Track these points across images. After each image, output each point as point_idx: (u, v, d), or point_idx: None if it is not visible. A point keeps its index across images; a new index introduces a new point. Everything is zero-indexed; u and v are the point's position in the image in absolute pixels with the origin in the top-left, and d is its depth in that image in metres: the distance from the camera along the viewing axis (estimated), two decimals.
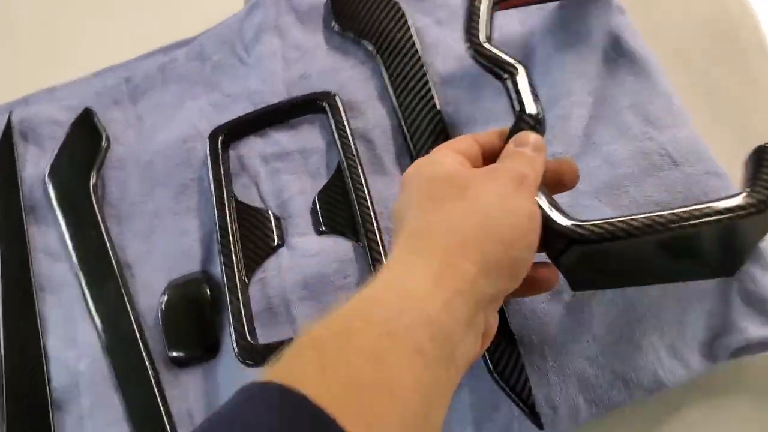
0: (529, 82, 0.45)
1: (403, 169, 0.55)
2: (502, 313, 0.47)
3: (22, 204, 0.62)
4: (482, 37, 0.48)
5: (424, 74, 0.58)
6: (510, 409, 0.46)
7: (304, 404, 0.26)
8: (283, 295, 0.52)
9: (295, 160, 0.58)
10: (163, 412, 0.51)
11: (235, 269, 0.53)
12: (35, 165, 0.64)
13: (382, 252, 0.51)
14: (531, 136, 0.41)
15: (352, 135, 0.56)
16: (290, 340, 0.35)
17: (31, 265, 0.59)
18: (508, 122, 0.53)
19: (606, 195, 0.49)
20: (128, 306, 0.55)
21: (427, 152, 0.53)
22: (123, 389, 0.53)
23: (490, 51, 0.47)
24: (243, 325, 0.51)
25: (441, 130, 0.55)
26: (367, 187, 0.54)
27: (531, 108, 0.44)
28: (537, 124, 0.43)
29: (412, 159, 0.54)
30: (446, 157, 0.39)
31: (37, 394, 0.53)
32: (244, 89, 0.62)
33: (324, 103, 0.58)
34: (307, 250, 0.53)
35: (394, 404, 0.28)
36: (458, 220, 0.35)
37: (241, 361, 0.50)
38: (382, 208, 0.54)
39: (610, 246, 0.39)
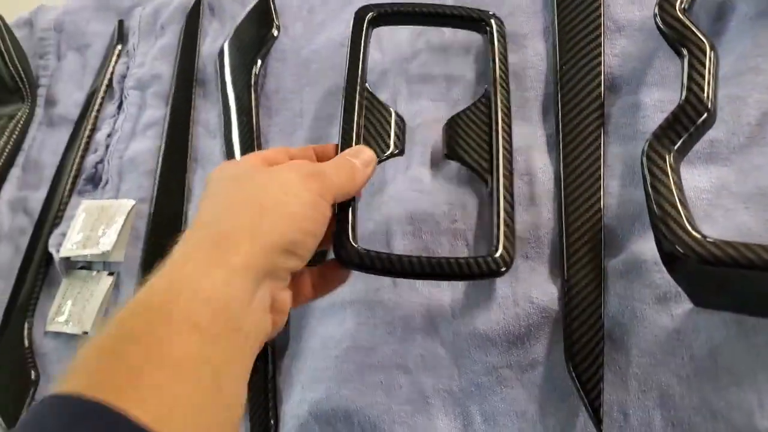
0: (710, 69, 0.40)
1: (547, 119, 0.51)
2: (597, 307, 0.44)
3: (195, 76, 0.66)
4: (679, 5, 0.42)
5: (599, 16, 0.51)
6: (578, 402, 0.44)
7: (89, 406, 0.27)
8: (387, 223, 0.51)
9: (438, 86, 0.55)
10: None
11: None
12: (213, 40, 0.68)
13: (510, 197, 0.46)
14: (365, 152, 0.45)
15: (507, 67, 0.52)
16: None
17: (190, 136, 0.64)
18: (676, 90, 0.47)
19: (756, 203, 0.42)
20: None
21: (574, 111, 0.49)
22: None
23: (678, 25, 0.41)
24: (348, 227, 0.47)
25: (597, 85, 0.50)
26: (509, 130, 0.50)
27: (699, 100, 0.39)
28: (698, 116, 0.38)
29: (557, 114, 0.50)
30: (248, 160, 0.42)
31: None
32: None
33: (488, 26, 0.53)
34: (423, 183, 0.52)
35: (178, 381, 0.30)
36: (236, 205, 0.37)
37: (338, 260, 0.47)
38: (516, 156, 0.50)
39: (725, 271, 0.34)
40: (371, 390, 0.48)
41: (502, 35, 0.53)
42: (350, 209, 0.47)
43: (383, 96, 0.57)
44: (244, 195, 0.38)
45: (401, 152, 0.50)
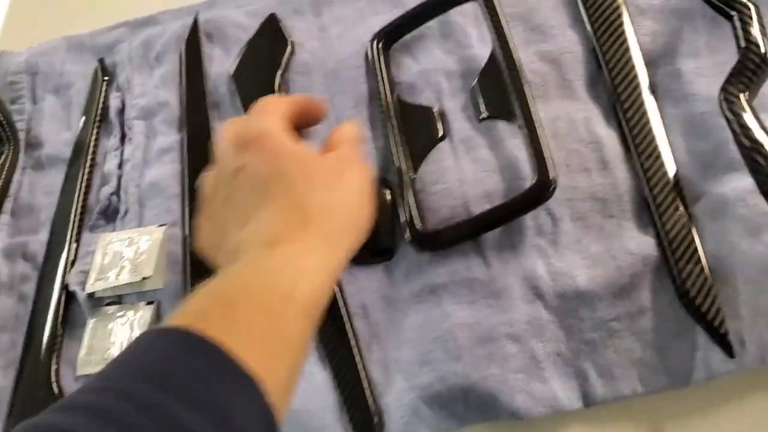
0: (759, 21, 0.45)
1: (594, 96, 0.55)
2: (696, 247, 0.47)
3: (206, 99, 0.65)
4: None
5: (619, 5, 0.56)
6: (694, 338, 0.46)
7: (214, 351, 0.32)
8: (465, 206, 0.52)
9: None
10: (341, 303, 0.53)
11: (402, 164, 0.55)
12: (220, 64, 0.67)
13: (537, 129, 0.51)
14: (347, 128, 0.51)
15: (505, 18, 0.56)
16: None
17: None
18: (709, 57, 0.53)
19: None
20: None
21: (624, 84, 0.53)
22: None
23: None
24: (412, 214, 0.52)
25: (635, 61, 0.54)
26: (521, 68, 0.54)
27: (759, 45, 0.44)
28: (763, 62, 0.43)
29: (608, 86, 0.54)
30: (271, 128, 0.46)
31: None
32: None
33: None
34: (479, 156, 0.54)
35: (288, 354, 0.36)
36: (334, 206, 0.43)
37: (415, 246, 0.52)
38: (571, 129, 0.53)
39: None
40: (483, 363, 0.48)
41: None
42: (408, 194, 0.54)
43: (427, 95, 0.59)
44: (333, 193, 0.44)
45: (444, 136, 0.56)
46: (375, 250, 0.54)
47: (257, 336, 0.34)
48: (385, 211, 0.54)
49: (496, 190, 0.52)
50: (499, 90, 0.54)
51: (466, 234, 0.51)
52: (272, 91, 0.62)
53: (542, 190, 0.49)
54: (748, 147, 0.44)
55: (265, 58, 0.65)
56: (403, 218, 0.53)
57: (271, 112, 0.46)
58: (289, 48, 0.65)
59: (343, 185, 0.44)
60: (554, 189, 0.48)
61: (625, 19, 0.56)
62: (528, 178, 0.52)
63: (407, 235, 0.52)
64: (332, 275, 0.41)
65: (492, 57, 0.56)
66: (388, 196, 0.55)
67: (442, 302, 0.50)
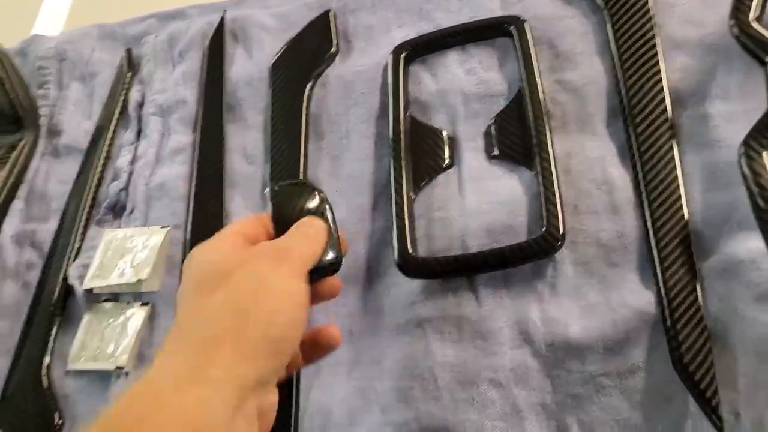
0: None
1: (612, 132, 0.52)
2: (698, 308, 0.44)
3: (222, 101, 0.64)
4: (752, 15, 0.44)
5: (653, 36, 0.53)
6: (685, 404, 0.43)
7: None
8: (463, 239, 0.51)
9: (495, 104, 0.56)
10: None
11: (403, 183, 0.53)
12: (242, 66, 0.66)
13: (555, 181, 0.49)
14: (315, 221, 0.40)
15: (537, 60, 0.55)
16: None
17: (224, 162, 0.61)
18: (741, 102, 0.49)
19: None
20: None
21: (645, 123, 0.50)
22: None
23: (758, 32, 0.44)
24: (405, 237, 0.51)
25: (661, 99, 0.51)
26: (547, 114, 0.53)
27: None
28: None
29: (624, 123, 0.51)
30: (224, 241, 0.38)
31: None
32: (453, 23, 0.61)
33: (511, 27, 0.57)
34: (485, 188, 0.52)
35: None
36: (216, 311, 0.34)
37: (401, 271, 0.50)
38: (585, 168, 0.51)
39: None
40: (462, 407, 0.46)
41: (525, 33, 0.56)
42: (404, 216, 0.51)
43: (440, 117, 0.57)
44: (222, 296, 0.34)
45: (451, 164, 0.54)
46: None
47: None
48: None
49: (497, 227, 0.50)
50: (520, 134, 0.53)
51: (461, 269, 0.49)
52: (302, 93, 0.61)
53: (551, 243, 0.47)
54: (763, 208, 0.41)
55: (307, 57, 0.63)
56: (394, 240, 0.51)
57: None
58: (333, 50, 0.63)
59: (223, 285, 0.36)
60: (562, 244, 0.47)
61: (659, 51, 0.53)
62: (531, 217, 0.50)
63: (396, 258, 0.51)
64: (212, 399, 0.31)
65: (517, 99, 0.54)
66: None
67: (426, 337, 0.48)
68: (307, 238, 0.39)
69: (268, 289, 0.35)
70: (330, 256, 0.39)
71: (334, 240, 0.40)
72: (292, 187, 0.43)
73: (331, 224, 0.41)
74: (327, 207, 0.41)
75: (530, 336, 0.47)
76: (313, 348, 0.41)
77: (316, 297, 0.39)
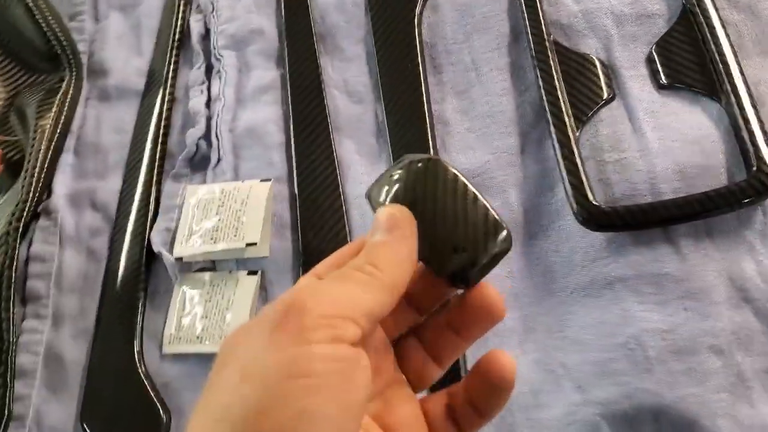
0: None
1: None
2: None
3: (313, 31, 0.55)
4: None
5: None
6: None
7: None
8: (652, 184, 0.43)
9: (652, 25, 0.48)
10: None
11: (565, 119, 0.46)
12: None
13: (755, 113, 0.43)
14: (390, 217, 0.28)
15: None
16: None
17: (326, 100, 0.52)
18: None
19: None
20: None
21: None
22: None
23: None
24: (583, 183, 0.43)
25: None
26: (727, 35, 0.46)
27: None
28: None
29: None
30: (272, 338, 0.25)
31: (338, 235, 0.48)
32: None
33: None
34: (665, 123, 0.45)
35: None
36: (221, 395, 0.24)
37: (581, 222, 0.43)
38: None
39: None
40: (680, 380, 0.39)
41: None
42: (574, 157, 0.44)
43: (589, 42, 0.49)
44: (229, 374, 0.24)
45: (613, 97, 0.47)
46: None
47: None
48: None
49: (692, 166, 0.43)
50: (695, 59, 0.46)
51: (661, 220, 0.42)
52: (412, 18, 0.52)
53: (764, 185, 0.40)
54: None
55: None
56: (568, 187, 0.44)
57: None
58: None
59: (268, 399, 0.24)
60: None
61: None
62: (727, 156, 0.43)
63: (575, 208, 0.43)
64: None
65: (683, 19, 0.47)
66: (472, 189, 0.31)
67: (622, 300, 0.42)
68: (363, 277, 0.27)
69: (260, 368, 0.24)
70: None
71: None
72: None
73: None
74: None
75: (749, 293, 0.41)
76: (471, 318, 0.31)
77: None
